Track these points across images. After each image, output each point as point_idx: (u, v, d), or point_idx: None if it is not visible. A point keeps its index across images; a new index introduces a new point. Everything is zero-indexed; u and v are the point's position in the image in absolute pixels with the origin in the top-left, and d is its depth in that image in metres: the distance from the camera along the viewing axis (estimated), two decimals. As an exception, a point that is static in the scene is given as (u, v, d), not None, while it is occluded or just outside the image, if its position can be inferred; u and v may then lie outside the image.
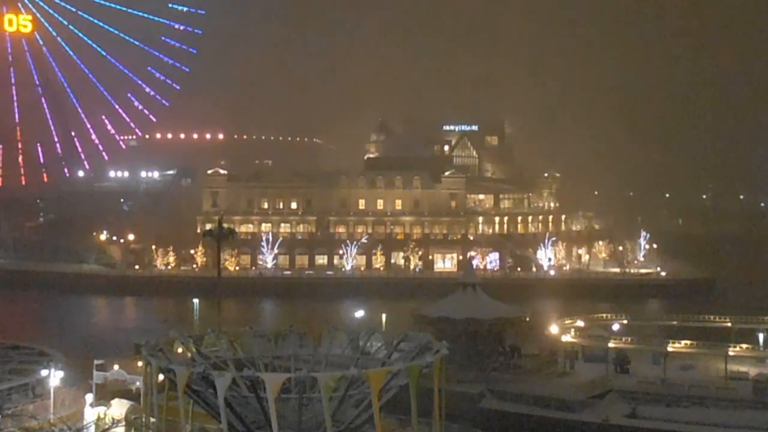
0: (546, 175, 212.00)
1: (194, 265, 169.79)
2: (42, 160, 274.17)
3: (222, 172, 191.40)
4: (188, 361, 43.11)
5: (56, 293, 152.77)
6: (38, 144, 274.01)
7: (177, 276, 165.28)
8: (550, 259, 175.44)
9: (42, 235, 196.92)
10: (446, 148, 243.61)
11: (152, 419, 44.94)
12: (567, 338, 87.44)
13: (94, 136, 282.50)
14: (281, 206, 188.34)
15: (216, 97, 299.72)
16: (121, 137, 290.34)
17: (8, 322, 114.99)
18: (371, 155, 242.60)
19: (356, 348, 46.70)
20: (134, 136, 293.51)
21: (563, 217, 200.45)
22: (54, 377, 63.69)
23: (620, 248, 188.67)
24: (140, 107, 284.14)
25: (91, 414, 60.44)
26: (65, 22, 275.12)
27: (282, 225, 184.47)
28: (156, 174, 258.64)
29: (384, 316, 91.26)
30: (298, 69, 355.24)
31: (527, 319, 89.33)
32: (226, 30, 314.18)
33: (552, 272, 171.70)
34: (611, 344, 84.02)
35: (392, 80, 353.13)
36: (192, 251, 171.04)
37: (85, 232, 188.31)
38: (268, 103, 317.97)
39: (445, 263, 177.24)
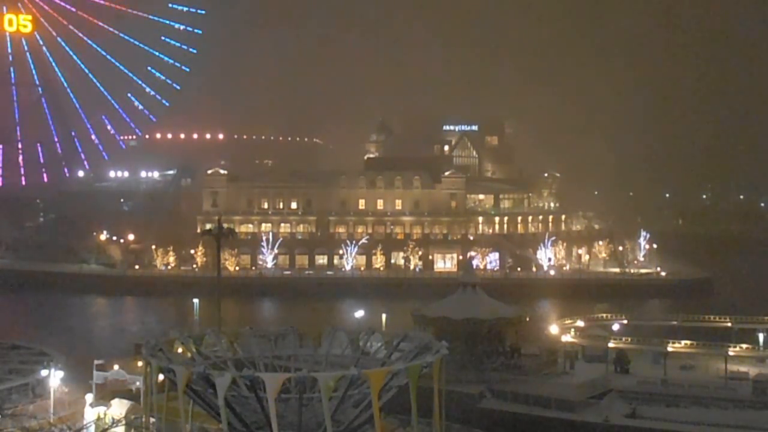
0: (546, 175, 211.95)
1: (194, 265, 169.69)
2: (42, 160, 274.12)
3: (222, 172, 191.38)
4: (188, 361, 43.17)
5: (56, 293, 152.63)
6: (38, 144, 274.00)
7: (177, 276, 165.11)
8: (550, 259, 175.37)
9: (42, 235, 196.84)
10: (446, 148, 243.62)
11: (152, 419, 45.03)
12: (567, 338, 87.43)
13: (94, 136, 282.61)
14: (281, 206, 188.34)
15: (216, 97, 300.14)
16: (121, 137, 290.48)
17: (8, 322, 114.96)
18: (371, 155, 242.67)
19: (356, 348, 46.79)
20: (134, 136, 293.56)
21: (563, 217, 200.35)
22: (54, 377, 63.75)
23: (620, 248, 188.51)
24: (140, 107, 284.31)
25: (91, 414, 60.50)
26: (65, 22, 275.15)
27: (282, 225, 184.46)
28: (156, 174, 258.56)
29: (384, 316, 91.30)
30: (298, 69, 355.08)
31: (527, 319, 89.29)
32: (226, 30, 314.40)
33: (552, 272, 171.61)
34: (611, 344, 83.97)
35: (392, 80, 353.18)
36: (192, 251, 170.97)
37: (85, 232, 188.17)
38: (268, 103, 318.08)
39: (445, 263, 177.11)
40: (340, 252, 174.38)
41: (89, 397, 62.25)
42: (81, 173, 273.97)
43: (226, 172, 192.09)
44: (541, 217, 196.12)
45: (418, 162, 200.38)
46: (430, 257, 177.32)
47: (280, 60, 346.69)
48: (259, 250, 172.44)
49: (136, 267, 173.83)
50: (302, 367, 44.48)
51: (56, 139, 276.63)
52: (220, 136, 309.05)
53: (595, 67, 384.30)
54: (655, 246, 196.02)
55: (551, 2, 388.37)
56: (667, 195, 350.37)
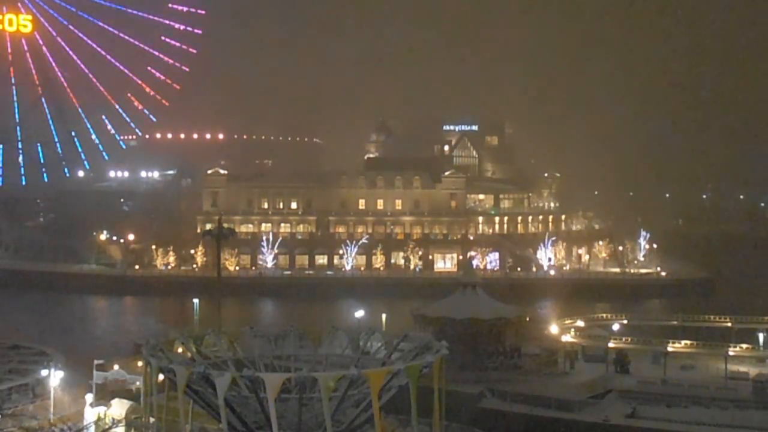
0: (546, 175, 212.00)
1: (194, 265, 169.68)
2: (42, 160, 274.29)
3: (222, 172, 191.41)
4: (188, 361, 43.16)
5: (56, 293, 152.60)
6: (38, 144, 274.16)
7: (177, 276, 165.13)
8: (550, 259, 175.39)
9: (42, 235, 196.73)
10: (446, 148, 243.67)
11: (152, 419, 45.02)
12: (567, 338, 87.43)
13: (94, 136, 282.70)
14: (281, 206, 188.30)
15: (216, 97, 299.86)
16: (121, 137, 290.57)
17: (8, 322, 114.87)
18: (371, 155, 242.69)
19: (356, 348, 46.77)
20: (134, 136, 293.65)
21: (563, 217, 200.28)
22: (54, 377, 63.79)
23: (620, 248, 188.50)
24: (140, 107, 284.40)
25: (91, 414, 60.52)
26: (65, 22, 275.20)
27: (282, 225, 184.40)
28: (156, 174, 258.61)
29: (384, 316, 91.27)
30: (298, 69, 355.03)
31: (527, 319, 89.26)
32: (226, 30, 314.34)
33: (552, 272, 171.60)
34: (611, 344, 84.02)
35: (392, 80, 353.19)
36: (192, 251, 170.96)
37: (85, 232, 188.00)
38: (268, 103, 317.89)
39: (445, 263, 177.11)
40: (340, 252, 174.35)
41: (89, 397, 62.26)
42: (81, 173, 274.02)
43: (226, 172, 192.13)
44: (541, 217, 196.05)
45: (418, 162, 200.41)
46: (430, 257, 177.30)
47: (280, 60, 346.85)
48: (259, 250, 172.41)
49: (136, 267, 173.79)
50: (302, 367, 44.49)
51: (56, 139, 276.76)
52: (220, 136, 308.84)
53: (595, 67, 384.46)
54: (655, 246, 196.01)
55: (551, 3, 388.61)
56: (667, 195, 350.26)
